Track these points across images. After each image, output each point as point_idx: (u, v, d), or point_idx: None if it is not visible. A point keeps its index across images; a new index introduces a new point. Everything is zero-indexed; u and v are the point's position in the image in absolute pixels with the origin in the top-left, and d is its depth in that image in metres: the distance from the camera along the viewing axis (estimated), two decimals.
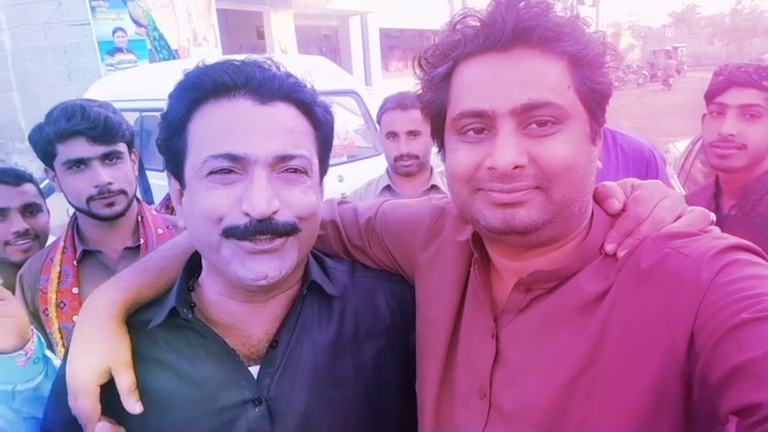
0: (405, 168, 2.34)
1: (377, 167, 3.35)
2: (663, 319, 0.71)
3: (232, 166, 0.85)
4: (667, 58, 30.25)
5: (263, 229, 0.84)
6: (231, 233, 0.85)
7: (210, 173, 0.85)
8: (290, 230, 0.87)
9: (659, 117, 16.54)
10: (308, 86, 0.93)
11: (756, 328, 0.62)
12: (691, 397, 0.70)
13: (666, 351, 0.70)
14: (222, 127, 0.85)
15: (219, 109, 0.86)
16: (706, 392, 0.67)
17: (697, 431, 0.73)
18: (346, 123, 5.00)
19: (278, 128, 0.87)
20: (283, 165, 0.87)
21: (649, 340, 0.72)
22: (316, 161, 0.94)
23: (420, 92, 0.88)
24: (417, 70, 0.87)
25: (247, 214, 0.83)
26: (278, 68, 0.91)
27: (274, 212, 0.84)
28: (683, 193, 3.09)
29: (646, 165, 2.17)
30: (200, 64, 0.91)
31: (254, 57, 0.94)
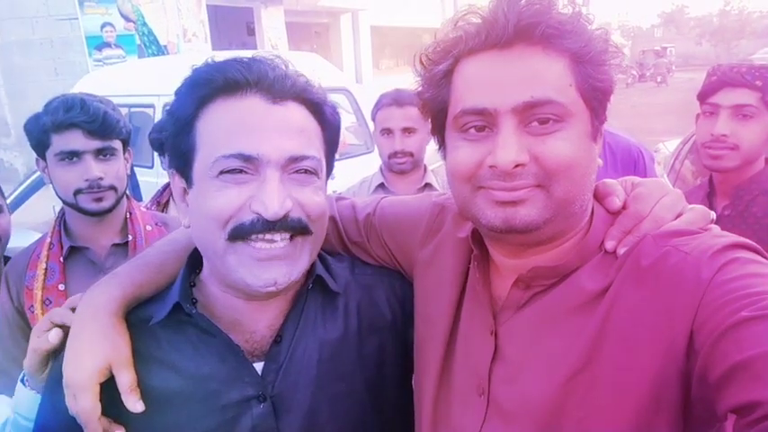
0: (399, 166, 2.33)
1: (369, 165, 3.34)
2: (662, 316, 0.71)
3: (244, 166, 0.84)
4: (657, 58, 30.54)
5: (274, 227, 0.83)
6: (237, 233, 0.84)
7: (221, 172, 0.84)
8: (303, 229, 0.87)
9: (648, 117, 16.64)
10: (317, 86, 0.93)
11: (756, 327, 0.62)
12: (689, 394, 0.70)
13: (666, 349, 0.71)
14: (233, 126, 0.84)
15: (230, 107, 0.85)
16: (705, 390, 0.67)
17: (695, 429, 0.73)
18: None
19: (290, 128, 0.86)
20: (295, 165, 0.86)
21: (649, 338, 0.72)
22: (324, 162, 0.93)
23: (420, 89, 0.88)
24: (418, 67, 0.87)
25: (257, 213, 0.83)
26: (287, 67, 0.90)
27: (287, 212, 0.84)
28: None
29: (634, 164, 2.19)
30: (210, 60, 0.89)
31: (262, 53, 0.93)
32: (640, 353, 0.72)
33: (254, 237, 0.84)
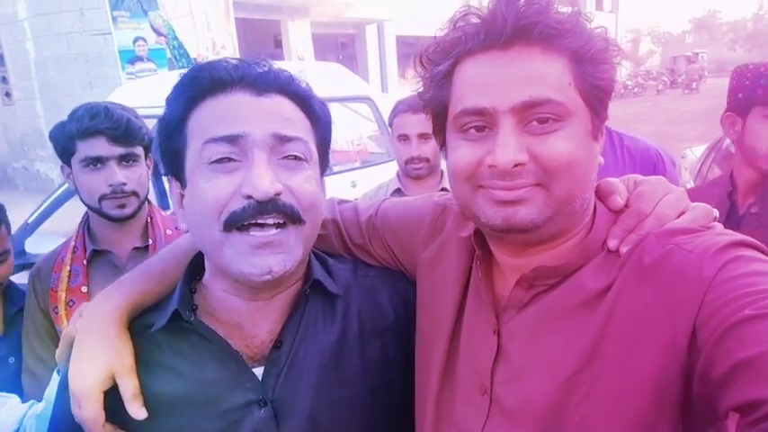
0: (415, 171, 2.34)
1: (390, 173, 3.35)
2: (665, 315, 0.71)
3: (231, 152, 0.85)
4: (688, 64, 29.97)
5: (266, 210, 0.84)
6: (232, 222, 0.84)
7: (210, 162, 0.85)
8: (295, 217, 0.87)
9: (679, 123, 16.35)
10: (304, 82, 0.94)
11: (759, 325, 0.61)
12: (691, 393, 0.70)
13: (668, 347, 0.70)
14: (220, 116, 0.86)
15: (217, 103, 0.88)
16: (707, 388, 0.66)
17: (696, 427, 0.73)
18: (360, 129, 5.02)
19: (275, 114, 0.88)
20: (283, 149, 0.87)
21: (651, 336, 0.72)
22: (314, 150, 0.94)
23: (422, 90, 0.88)
24: (419, 68, 0.88)
25: (249, 196, 0.83)
26: (271, 65, 0.93)
27: (277, 194, 0.84)
28: None
29: (653, 166, 2.15)
30: (194, 63, 0.92)
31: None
32: (642, 351, 0.72)
33: (247, 224, 0.84)
